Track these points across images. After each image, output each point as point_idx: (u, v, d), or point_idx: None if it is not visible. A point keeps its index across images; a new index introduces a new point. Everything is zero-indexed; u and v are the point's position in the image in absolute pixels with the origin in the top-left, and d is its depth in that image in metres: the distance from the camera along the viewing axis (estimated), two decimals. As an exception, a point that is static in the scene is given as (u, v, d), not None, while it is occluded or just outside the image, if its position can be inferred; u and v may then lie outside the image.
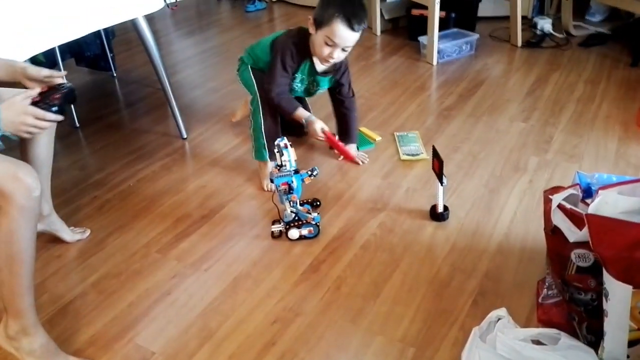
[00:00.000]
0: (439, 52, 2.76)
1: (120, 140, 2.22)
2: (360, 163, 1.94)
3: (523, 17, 2.97)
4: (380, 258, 1.51)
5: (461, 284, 1.40)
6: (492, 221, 1.62)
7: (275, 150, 1.56)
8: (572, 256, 1.11)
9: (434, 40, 2.71)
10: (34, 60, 2.39)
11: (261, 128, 1.81)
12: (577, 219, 1.09)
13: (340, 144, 1.89)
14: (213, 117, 2.35)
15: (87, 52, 2.65)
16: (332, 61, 1.73)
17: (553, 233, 1.16)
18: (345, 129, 1.97)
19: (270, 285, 1.44)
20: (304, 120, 1.81)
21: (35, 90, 1.18)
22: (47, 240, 1.62)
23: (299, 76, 1.84)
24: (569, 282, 1.14)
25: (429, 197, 1.73)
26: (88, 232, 1.67)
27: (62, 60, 2.40)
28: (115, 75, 2.83)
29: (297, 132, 2.04)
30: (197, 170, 1.98)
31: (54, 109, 1.16)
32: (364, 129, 2.15)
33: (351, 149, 1.95)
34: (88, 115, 2.41)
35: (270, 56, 1.81)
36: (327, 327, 1.31)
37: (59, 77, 1.26)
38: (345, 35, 1.65)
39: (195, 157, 2.07)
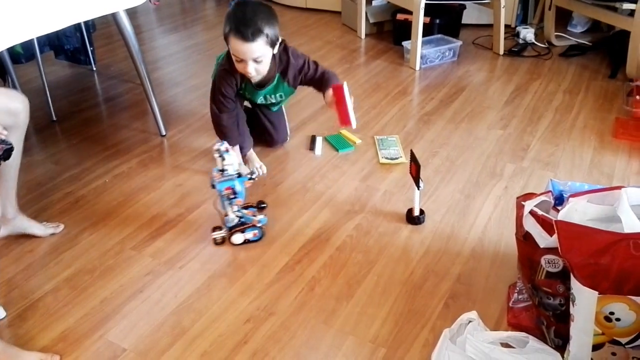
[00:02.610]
0: (422, 57, 2.78)
1: (97, 135, 2.20)
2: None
3: (506, 26, 3.00)
4: (355, 259, 1.52)
5: (434, 286, 1.41)
6: (466, 226, 1.64)
7: (217, 155, 1.51)
8: (542, 261, 1.12)
9: (418, 46, 2.73)
10: (12, 52, 2.37)
11: None
12: (547, 225, 1.10)
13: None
14: (193, 115, 2.33)
15: (66, 45, 2.63)
16: (252, 75, 1.68)
17: (524, 239, 1.18)
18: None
19: (244, 285, 1.44)
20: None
21: None
22: (19, 235, 1.60)
23: (255, 96, 1.86)
24: (539, 286, 1.16)
25: (405, 200, 1.75)
26: (61, 227, 1.65)
27: (41, 52, 2.37)
28: (94, 69, 2.80)
29: (265, 140, 2.06)
30: (174, 168, 1.96)
31: None
32: (344, 132, 2.16)
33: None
34: (65, 109, 2.39)
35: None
36: (299, 327, 1.31)
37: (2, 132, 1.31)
38: (243, 48, 1.59)
39: (173, 155, 2.05)
